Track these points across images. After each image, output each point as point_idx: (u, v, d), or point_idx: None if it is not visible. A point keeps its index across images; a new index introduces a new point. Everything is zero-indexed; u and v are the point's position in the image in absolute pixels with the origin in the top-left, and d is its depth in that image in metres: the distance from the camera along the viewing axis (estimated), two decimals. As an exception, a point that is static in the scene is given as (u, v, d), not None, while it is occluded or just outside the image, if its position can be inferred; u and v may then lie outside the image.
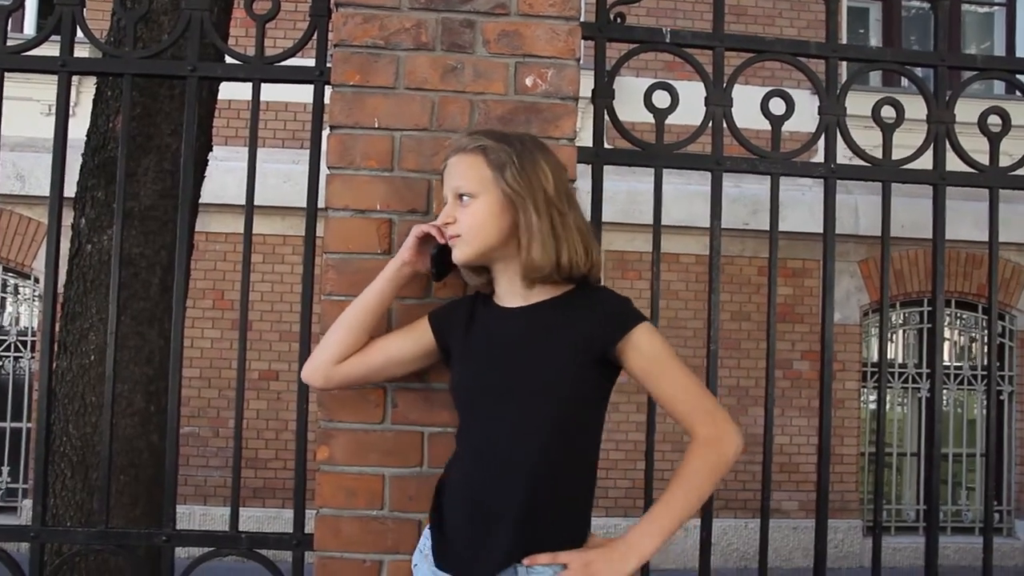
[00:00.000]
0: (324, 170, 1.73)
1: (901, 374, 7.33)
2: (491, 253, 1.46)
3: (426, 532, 1.50)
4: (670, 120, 1.94)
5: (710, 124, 1.94)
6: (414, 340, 1.57)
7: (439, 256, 1.53)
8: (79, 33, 1.87)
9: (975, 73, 2.09)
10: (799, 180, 6.61)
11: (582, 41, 1.77)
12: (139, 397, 2.65)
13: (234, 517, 1.82)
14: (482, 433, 1.43)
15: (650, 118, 1.92)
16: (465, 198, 1.45)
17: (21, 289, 7.10)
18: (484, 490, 1.40)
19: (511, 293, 1.49)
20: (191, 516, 6.53)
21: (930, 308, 7.21)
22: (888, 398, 6.61)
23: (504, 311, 1.49)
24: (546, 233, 1.41)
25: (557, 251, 1.42)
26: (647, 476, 1.88)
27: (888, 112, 1.99)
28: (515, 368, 1.42)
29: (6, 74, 1.88)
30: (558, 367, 1.40)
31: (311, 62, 1.86)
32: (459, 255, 1.47)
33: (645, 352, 1.42)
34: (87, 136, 2.76)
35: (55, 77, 1.85)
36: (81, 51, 1.96)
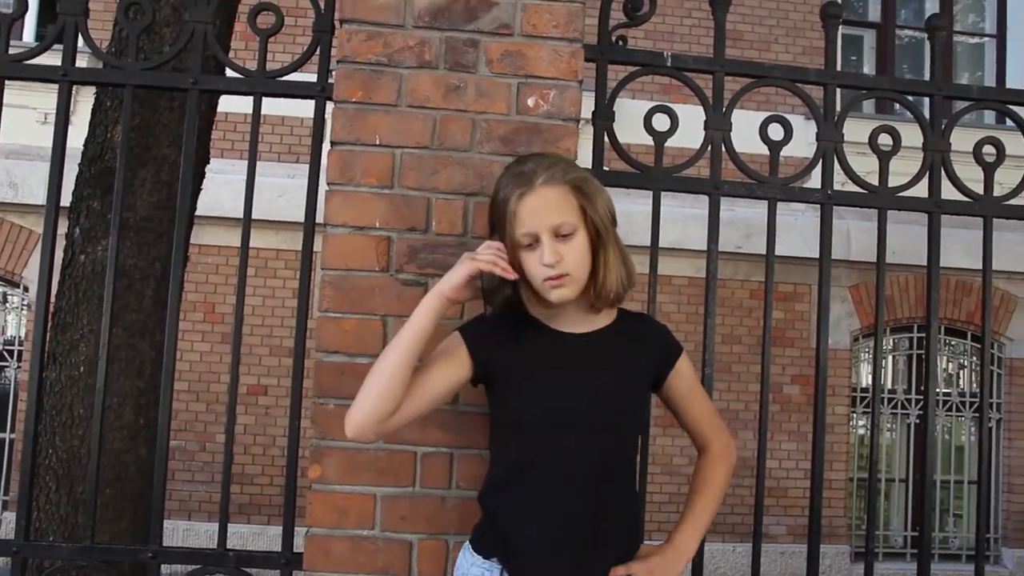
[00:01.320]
0: (323, 186, 1.72)
1: (891, 400, 7.34)
2: (584, 285, 1.45)
3: (477, 561, 1.46)
4: (666, 143, 1.95)
5: (709, 148, 1.94)
6: (455, 371, 1.47)
7: (492, 290, 1.45)
8: (80, 43, 1.86)
9: (970, 103, 2.11)
10: (792, 205, 6.65)
11: (583, 63, 1.78)
12: (128, 410, 2.62)
13: (222, 534, 1.80)
14: (565, 459, 1.41)
15: (645, 139, 1.92)
16: (566, 235, 1.41)
17: (10, 298, 7.05)
18: (583, 517, 1.41)
19: (572, 319, 1.49)
20: (175, 531, 6.46)
21: (920, 334, 7.26)
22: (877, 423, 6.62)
23: (570, 337, 1.48)
24: (619, 262, 1.46)
25: (623, 278, 1.46)
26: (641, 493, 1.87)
27: (885, 140, 2.00)
28: (596, 395, 1.44)
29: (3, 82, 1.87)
30: (635, 393, 1.49)
31: (311, 76, 1.86)
32: (567, 294, 1.42)
33: (685, 376, 1.56)
34: (84, 146, 2.75)
35: (51, 85, 1.85)
36: (80, 61, 1.96)
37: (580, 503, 1.41)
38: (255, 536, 6.45)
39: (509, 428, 1.47)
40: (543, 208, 1.39)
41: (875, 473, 2.03)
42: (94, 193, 2.68)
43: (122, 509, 2.59)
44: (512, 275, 1.40)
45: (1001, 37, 8.05)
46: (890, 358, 7.48)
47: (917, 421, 7.31)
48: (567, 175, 1.42)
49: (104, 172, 2.65)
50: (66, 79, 1.85)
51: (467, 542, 1.51)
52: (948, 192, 2.02)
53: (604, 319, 1.51)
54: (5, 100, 1.86)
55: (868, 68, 7.90)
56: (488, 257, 1.40)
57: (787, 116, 2.03)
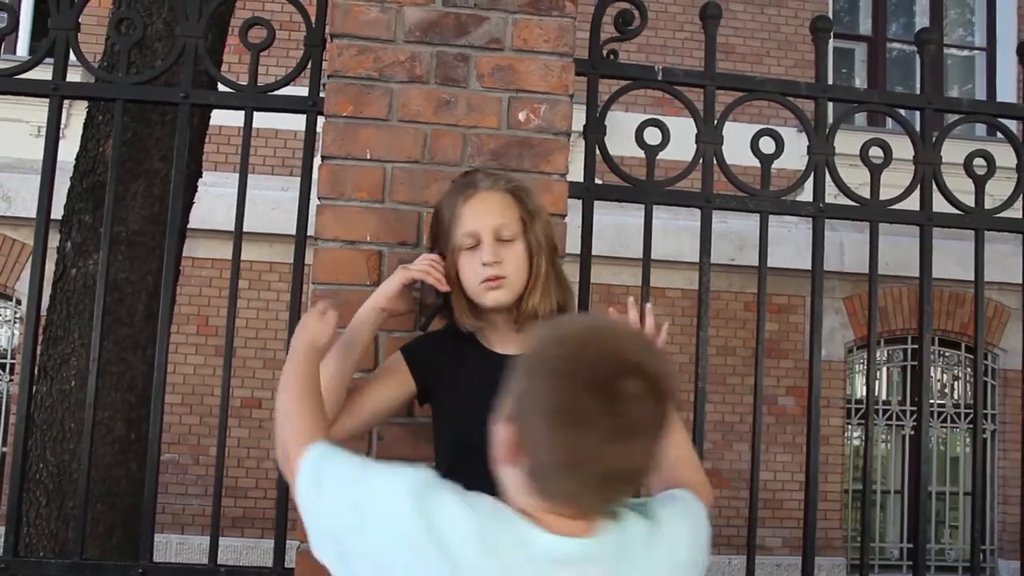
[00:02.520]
0: (314, 199, 1.72)
1: (885, 411, 7.35)
2: (520, 294, 1.44)
3: None
4: (659, 156, 1.95)
5: (700, 161, 1.95)
6: (396, 387, 1.49)
7: (426, 303, 1.48)
8: (72, 57, 1.86)
9: (961, 116, 2.12)
10: (785, 217, 6.66)
11: (575, 77, 1.78)
12: (119, 424, 2.61)
13: (213, 549, 1.79)
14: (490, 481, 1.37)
15: (637, 152, 1.93)
16: (507, 239, 1.42)
17: (1, 311, 7.03)
18: None
19: (504, 339, 1.47)
20: (168, 545, 6.42)
21: (914, 346, 7.27)
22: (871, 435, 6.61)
23: (507, 359, 1.40)
24: (551, 285, 1.44)
25: (556, 298, 1.43)
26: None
27: (876, 152, 2.01)
28: None
29: (-4, 96, 1.88)
30: None
31: (303, 91, 1.86)
32: (503, 297, 1.42)
33: None
34: (76, 160, 2.75)
35: (44, 99, 1.85)
36: (73, 75, 1.96)
37: None
38: (249, 550, 6.42)
39: (444, 448, 1.47)
40: (486, 210, 1.42)
41: (870, 485, 2.03)
42: (86, 207, 2.67)
43: (113, 524, 2.58)
44: (444, 287, 1.43)
45: (991, 50, 8.11)
46: (884, 370, 7.49)
47: (912, 432, 7.31)
48: (510, 184, 1.46)
49: (96, 186, 2.65)
50: (57, 93, 1.85)
51: None
52: (939, 204, 2.03)
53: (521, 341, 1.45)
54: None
55: (859, 81, 7.95)
56: (421, 267, 1.44)
57: (779, 129, 2.04)
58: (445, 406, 1.48)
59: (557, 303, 1.45)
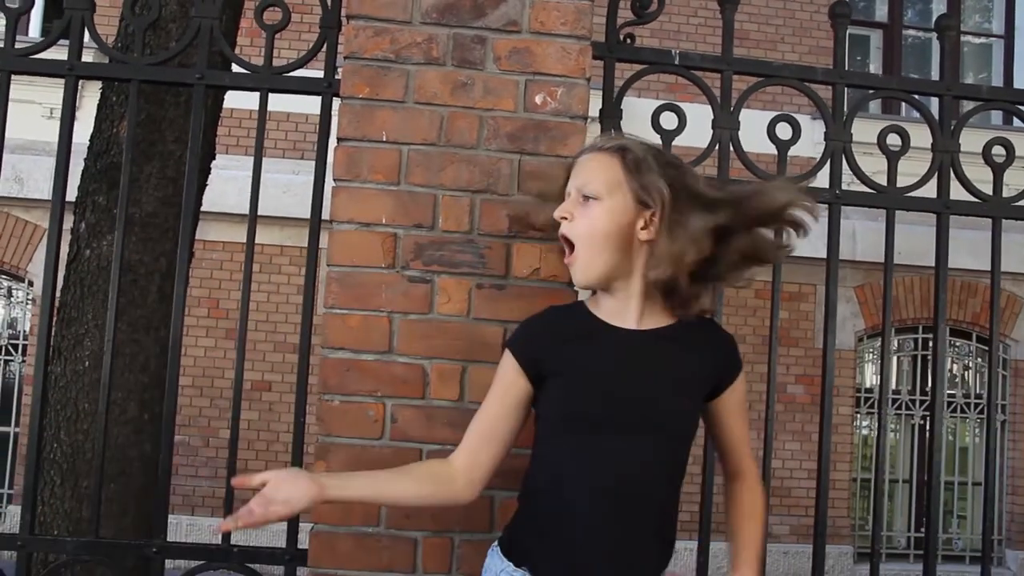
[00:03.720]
0: (329, 182, 1.72)
1: (895, 401, 7.33)
2: (608, 269, 1.36)
3: (503, 565, 1.40)
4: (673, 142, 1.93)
5: (716, 147, 1.93)
6: (514, 394, 1.41)
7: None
8: (87, 38, 1.86)
9: (979, 103, 2.10)
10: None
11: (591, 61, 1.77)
12: (133, 405, 2.62)
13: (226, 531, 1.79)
14: (604, 464, 1.33)
15: (651, 139, 1.91)
16: (588, 197, 1.37)
17: (15, 292, 7.06)
18: (614, 525, 1.33)
19: (624, 312, 1.39)
20: (178, 526, 6.47)
21: (925, 335, 7.24)
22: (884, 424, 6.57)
23: (620, 331, 1.38)
24: (681, 232, 1.33)
25: (683, 253, 1.33)
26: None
27: (893, 140, 1.99)
28: (640, 397, 1.35)
29: (9, 76, 1.87)
30: (683, 400, 1.38)
31: (317, 73, 1.85)
32: (576, 278, 1.39)
33: (739, 393, 1.47)
34: (90, 141, 2.75)
35: (57, 79, 1.85)
36: (87, 56, 1.95)
37: (618, 517, 1.33)
38: (258, 532, 6.45)
39: (547, 425, 1.39)
40: (582, 169, 1.40)
41: (881, 475, 2.02)
42: (100, 188, 2.67)
43: (126, 504, 2.59)
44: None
45: (1009, 37, 8.02)
46: (895, 359, 7.46)
47: (921, 422, 7.29)
48: (623, 144, 1.38)
49: (110, 167, 2.65)
50: (72, 73, 1.85)
51: (495, 544, 1.44)
52: (955, 193, 2.01)
53: (660, 320, 1.40)
54: (11, 95, 1.86)
55: (875, 68, 7.88)
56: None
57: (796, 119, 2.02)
58: (550, 383, 1.39)
59: (692, 259, 1.34)
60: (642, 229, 1.35)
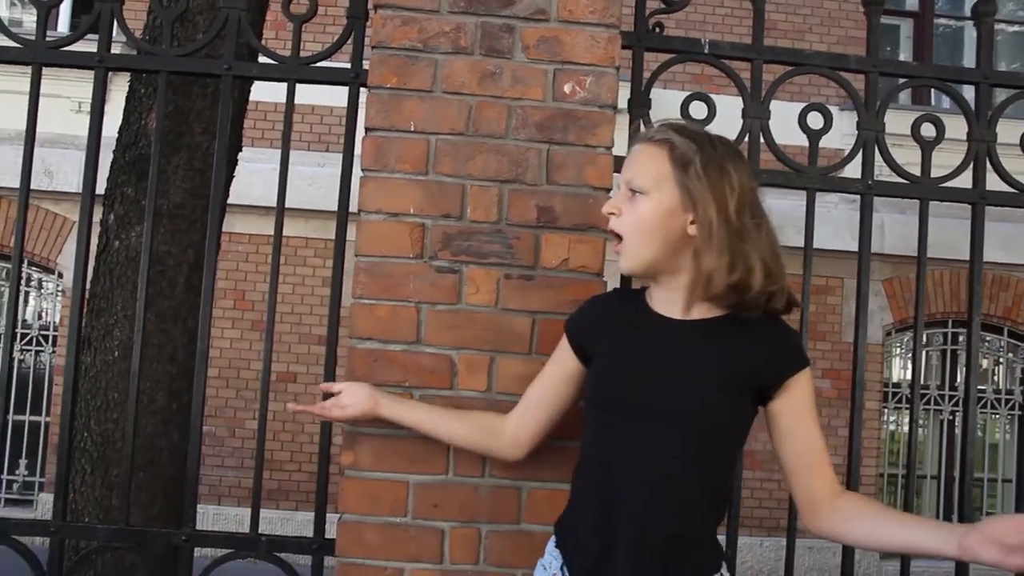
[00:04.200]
0: (356, 172, 1.72)
1: (923, 395, 7.24)
2: (656, 264, 1.35)
3: (551, 548, 1.41)
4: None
5: (747, 137, 1.91)
6: (560, 365, 1.48)
7: None
8: (116, 31, 1.87)
9: (1018, 91, 2.05)
10: (825, 197, 6.56)
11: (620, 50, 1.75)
12: (161, 395, 2.64)
13: (255, 519, 1.80)
14: (631, 452, 1.33)
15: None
16: (635, 191, 1.35)
17: (45, 284, 7.16)
18: (645, 514, 1.31)
19: (672, 302, 1.37)
20: (204, 515, 6.54)
21: (955, 329, 7.14)
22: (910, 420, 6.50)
23: (666, 321, 1.37)
24: (726, 243, 1.30)
25: (732, 267, 1.30)
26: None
27: (928, 129, 1.96)
28: (675, 385, 1.32)
29: (40, 69, 1.88)
30: (720, 392, 1.32)
31: (344, 64, 1.85)
32: (624, 263, 1.37)
33: (803, 395, 1.36)
34: (119, 133, 2.77)
35: (85, 74, 1.86)
36: (115, 49, 1.96)
37: (636, 504, 1.31)
38: (283, 521, 6.51)
39: (588, 410, 1.41)
40: (631, 162, 1.38)
41: (914, 470, 1.99)
42: (128, 180, 2.70)
43: (155, 493, 2.62)
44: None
45: (1043, 25, 7.88)
46: (923, 353, 7.37)
47: (950, 417, 7.20)
48: (670, 137, 1.34)
49: (138, 159, 2.67)
50: (102, 65, 1.86)
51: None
52: (990, 184, 1.97)
53: (707, 311, 1.36)
54: (40, 89, 1.87)
55: (905, 58, 7.77)
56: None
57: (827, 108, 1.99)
58: (595, 367, 1.42)
59: (734, 275, 1.30)
60: (691, 224, 1.33)
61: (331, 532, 1.69)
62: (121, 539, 1.82)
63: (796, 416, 1.36)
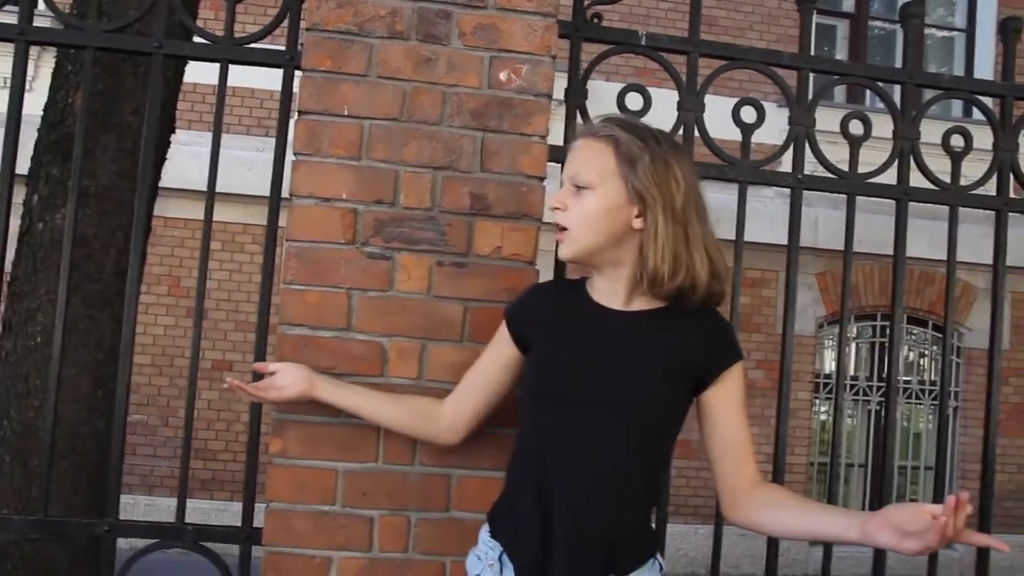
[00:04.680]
0: (290, 157, 1.69)
1: (852, 386, 7.45)
2: (599, 254, 1.36)
3: (486, 538, 1.41)
4: (640, 124, 1.92)
5: (681, 129, 1.93)
6: (498, 351, 1.48)
7: None
8: (40, 4, 1.80)
9: (940, 92, 2.12)
10: (761, 192, 6.69)
11: (558, 40, 1.75)
12: (86, 381, 2.57)
13: (180, 508, 1.77)
14: (569, 442, 1.33)
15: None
16: (580, 187, 1.36)
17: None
18: (585, 504, 1.32)
19: (613, 293, 1.39)
20: (136, 506, 6.39)
21: (884, 323, 7.36)
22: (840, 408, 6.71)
23: (607, 312, 1.39)
24: (671, 241, 1.32)
25: (677, 267, 1.32)
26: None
27: (856, 127, 2.01)
28: (614, 376, 1.34)
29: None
30: (659, 383, 1.34)
31: (279, 47, 1.81)
32: (565, 252, 1.38)
33: (736, 387, 1.40)
34: (44, 111, 2.68)
35: (6, 47, 1.79)
36: (43, 23, 1.89)
37: (574, 493, 1.32)
38: (218, 512, 6.40)
39: (525, 399, 1.41)
40: (573, 157, 1.39)
41: (835, 459, 2.05)
42: (54, 159, 2.61)
43: (78, 482, 2.54)
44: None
45: (971, 32, 8.14)
46: (853, 345, 7.58)
47: (878, 408, 7.43)
48: (615, 133, 1.35)
49: (64, 138, 2.58)
50: (22, 38, 1.79)
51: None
52: (915, 182, 2.03)
53: (655, 301, 1.37)
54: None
55: (841, 58, 7.95)
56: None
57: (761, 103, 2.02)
58: (532, 357, 1.42)
59: (679, 272, 1.32)
60: (636, 218, 1.34)
61: (261, 521, 1.67)
62: (39, 530, 1.76)
63: (727, 407, 1.39)
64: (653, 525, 1.50)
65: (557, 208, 1.38)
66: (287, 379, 1.53)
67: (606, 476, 1.33)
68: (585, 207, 1.35)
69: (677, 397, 1.37)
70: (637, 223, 1.34)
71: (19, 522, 1.80)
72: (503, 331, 1.48)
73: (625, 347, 1.35)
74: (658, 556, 1.40)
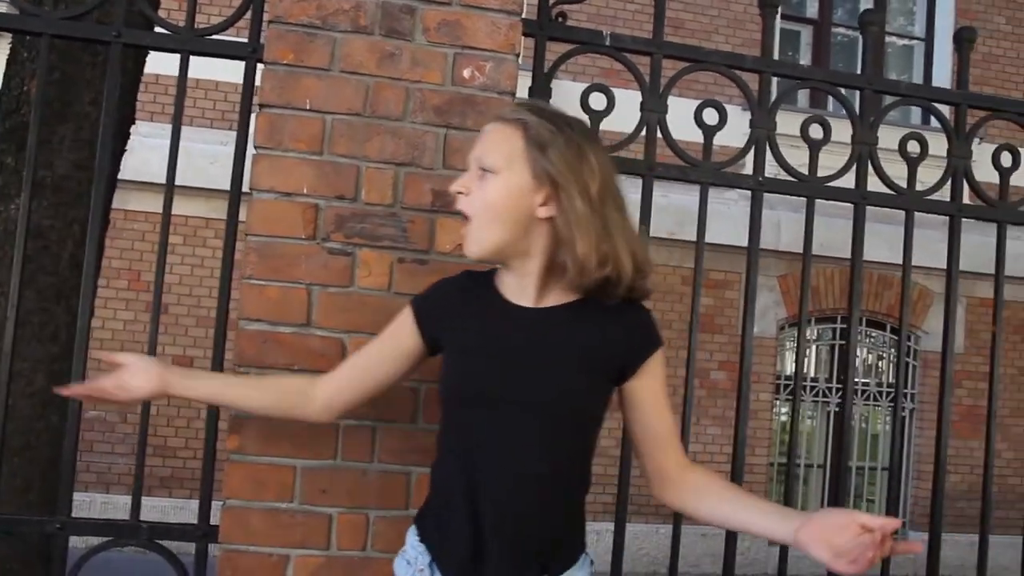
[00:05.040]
0: (251, 151, 1.67)
1: (812, 388, 7.56)
2: (505, 248, 1.30)
3: (414, 543, 1.37)
4: (603, 125, 1.93)
5: (644, 130, 1.94)
6: (396, 341, 1.40)
7: None
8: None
9: (898, 98, 2.16)
10: (724, 194, 6.76)
11: (522, 38, 1.76)
12: (40, 376, 2.52)
13: (135, 506, 1.74)
14: (492, 441, 1.30)
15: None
16: (485, 170, 1.29)
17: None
18: (510, 503, 1.29)
19: (523, 289, 1.33)
20: (92, 504, 6.28)
21: (843, 325, 7.47)
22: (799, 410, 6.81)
23: (517, 309, 1.33)
24: (590, 230, 1.25)
25: (602, 259, 1.26)
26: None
27: (815, 130, 2.04)
28: (532, 375, 1.29)
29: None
30: (579, 377, 1.31)
31: (244, 40, 1.79)
32: (469, 250, 1.32)
33: (658, 375, 1.37)
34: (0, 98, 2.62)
35: (-35, 33, 1.75)
36: (-4, 8, 1.86)
37: (500, 493, 1.29)
38: (177, 510, 6.32)
39: (443, 402, 1.37)
40: (483, 140, 1.32)
41: (794, 459, 2.08)
42: (8, 148, 2.55)
43: (31, 479, 2.49)
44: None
45: (929, 40, 8.31)
46: (813, 348, 7.70)
47: (837, 409, 7.55)
48: (525, 117, 1.30)
49: (19, 127, 2.53)
50: (-22, 25, 1.75)
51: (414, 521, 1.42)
52: (873, 186, 2.07)
53: (568, 294, 1.33)
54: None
55: (805, 63, 8.07)
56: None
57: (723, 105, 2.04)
58: (447, 358, 1.37)
59: (607, 258, 1.26)
60: (541, 206, 1.28)
61: (218, 519, 1.65)
62: (-12, 526, 1.73)
63: (651, 395, 1.37)
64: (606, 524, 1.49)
65: (460, 192, 1.32)
66: (137, 379, 1.42)
67: (530, 475, 1.30)
68: (487, 192, 1.29)
69: (597, 389, 1.34)
70: (542, 211, 1.28)
71: (-33, 519, 1.76)
72: (406, 322, 1.40)
73: (538, 344, 1.31)
74: (588, 551, 1.39)
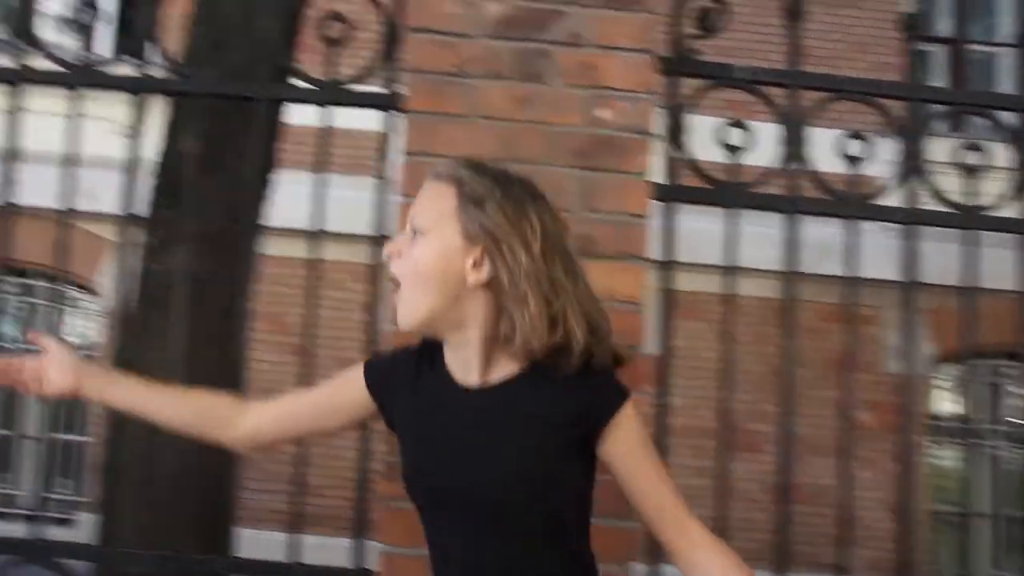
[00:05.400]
0: (393, 197, 1.71)
1: (968, 430, 7.05)
2: (437, 318, 1.19)
3: None
4: (731, 160, 1.86)
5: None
6: (345, 406, 1.33)
7: None
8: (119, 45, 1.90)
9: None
10: (863, 225, 6.47)
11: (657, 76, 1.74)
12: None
13: (293, 547, 1.78)
14: (455, 538, 1.21)
15: (711, 156, 1.84)
16: (416, 231, 1.20)
17: (82, 304, 7.27)
18: None
19: (466, 366, 1.21)
20: (239, 539, 6.53)
21: (1003, 362, 6.96)
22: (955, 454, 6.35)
23: (459, 392, 1.22)
24: (534, 291, 1.14)
25: (552, 324, 1.14)
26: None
27: (971, 157, 1.91)
28: (482, 466, 1.18)
29: (80, 92, 1.91)
30: (536, 461, 1.18)
31: (378, 89, 1.85)
32: (400, 320, 1.21)
33: (632, 431, 1.21)
34: (159, 156, 2.80)
35: (124, 96, 1.88)
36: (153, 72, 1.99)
37: None
38: (317, 548, 6.47)
39: (408, 491, 1.26)
40: (417, 199, 1.23)
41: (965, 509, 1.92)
42: (166, 203, 2.72)
43: (194, 518, 2.61)
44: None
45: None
46: (969, 387, 7.19)
47: (996, 453, 7.01)
48: (459, 173, 1.20)
49: (176, 182, 2.69)
50: (139, 88, 1.88)
51: None
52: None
53: (506, 369, 1.20)
54: (84, 111, 1.90)
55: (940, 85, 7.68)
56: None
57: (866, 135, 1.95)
58: (406, 438, 1.27)
59: (556, 319, 1.15)
60: (473, 268, 1.17)
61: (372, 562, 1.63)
62: (160, 565, 1.80)
63: (630, 457, 1.21)
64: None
65: (389, 255, 1.23)
66: (55, 372, 1.34)
67: (498, 570, 1.19)
68: (415, 254, 1.18)
69: (561, 466, 1.20)
70: (474, 276, 1.16)
71: (148, 557, 1.85)
72: (356, 378, 1.31)
73: (485, 429, 1.19)
74: None
